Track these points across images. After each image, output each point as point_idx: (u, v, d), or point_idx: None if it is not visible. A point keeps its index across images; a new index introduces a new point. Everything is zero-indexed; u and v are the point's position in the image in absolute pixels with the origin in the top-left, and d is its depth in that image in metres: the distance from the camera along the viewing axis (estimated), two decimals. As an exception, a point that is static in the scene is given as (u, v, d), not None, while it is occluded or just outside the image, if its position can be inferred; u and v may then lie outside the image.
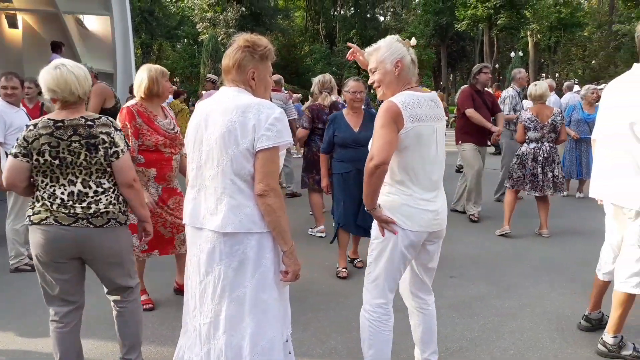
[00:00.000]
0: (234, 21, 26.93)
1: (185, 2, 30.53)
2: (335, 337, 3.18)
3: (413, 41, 2.37)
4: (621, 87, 2.85)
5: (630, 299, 2.79)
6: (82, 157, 2.31)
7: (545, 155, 5.24)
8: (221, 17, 27.35)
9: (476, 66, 6.21)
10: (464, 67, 45.02)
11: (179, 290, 3.65)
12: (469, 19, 31.96)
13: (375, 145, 2.16)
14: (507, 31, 33.71)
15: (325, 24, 42.27)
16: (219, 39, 24.31)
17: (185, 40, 39.20)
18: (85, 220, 2.32)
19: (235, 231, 1.96)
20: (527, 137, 5.30)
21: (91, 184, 2.35)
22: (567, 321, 3.37)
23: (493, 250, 4.97)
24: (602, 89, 7.09)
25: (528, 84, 7.27)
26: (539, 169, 5.24)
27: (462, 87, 6.33)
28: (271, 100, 2.43)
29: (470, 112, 5.77)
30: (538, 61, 37.82)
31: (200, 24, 28.87)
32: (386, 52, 2.26)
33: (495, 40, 36.04)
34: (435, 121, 2.27)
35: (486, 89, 6.33)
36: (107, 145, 2.34)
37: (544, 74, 39.86)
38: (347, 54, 2.64)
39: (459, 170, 9.90)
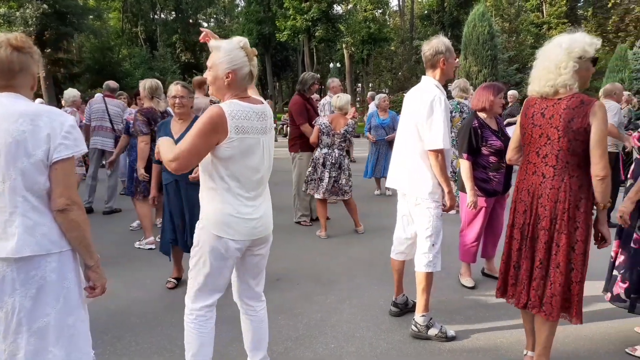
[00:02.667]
0: (34, 19, 23.91)
1: (-31, -6, 26.17)
2: (157, 358, 2.98)
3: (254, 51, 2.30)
4: (412, 96, 3.26)
5: (427, 277, 3.16)
6: None
7: (333, 161, 5.56)
8: (18, 14, 24.07)
9: (310, 77, 6.15)
10: (288, 76, 46.77)
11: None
12: (289, 29, 33.27)
13: (184, 148, 2.07)
14: (325, 43, 35.91)
15: (144, 27, 40.11)
16: (17, 38, 21.36)
17: (-26, 39, 33.68)
18: None
19: (33, 254, 1.75)
20: (320, 141, 5.58)
21: None
22: (381, 310, 3.66)
23: (316, 250, 5.19)
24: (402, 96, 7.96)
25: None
26: (326, 174, 5.54)
27: (295, 97, 6.16)
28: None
29: (306, 128, 5.89)
30: (354, 72, 41.04)
31: (-8, 20, 25.07)
32: (223, 57, 2.17)
33: (315, 51, 38.14)
34: (262, 134, 2.25)
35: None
36: None
37: (359, 84, 43.43)
38: (200, 36, 2.46)
39: None
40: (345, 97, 5.65)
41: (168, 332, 3.29)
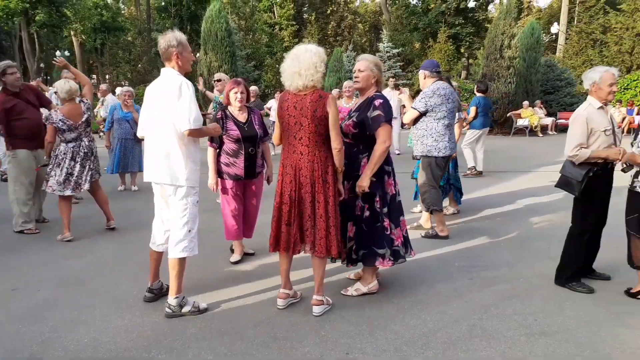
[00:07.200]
0: None
1: None
2: None
3: None
4: (155, 87, 3.37)
5: (181, 262, 3.37)
6: None
7: (86, 150, 5.26)
8: None
9: None
10: (2, 64, 39.91)
11: None
12: (1, 11, 28.50)
13: None
14: (49, 28, 31.96)
15: None
16: None
17: None
18: None
19: None
20: (63, 137, 5.16)
21: None
22: (135, 299, 3.72)
23: (57, 254, 4.85)
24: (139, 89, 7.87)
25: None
26: (77, 167, 5.21)
27: None
28: None
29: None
30: (87, 62, 37.63)
31: None
32: None
33: (37, 37, 33.55)
34: None
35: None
36: None
37: (94, 75, 40.01)
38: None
39: None
40: (73, 83, 5.20)
41: None
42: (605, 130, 3.60)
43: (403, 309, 3.49)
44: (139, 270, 4.23)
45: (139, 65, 36.84)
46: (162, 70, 3.38)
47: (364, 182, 3.44)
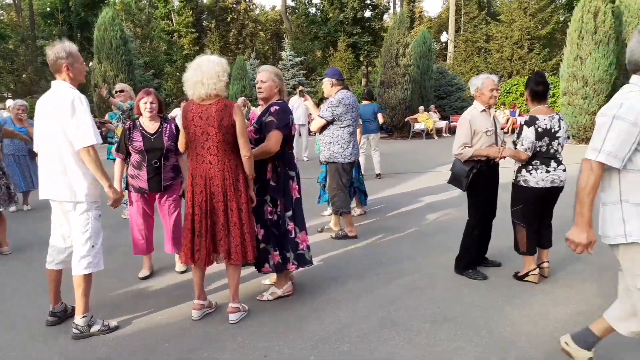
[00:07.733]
0: None
1: None
2: None
3: None
4: (46, 101, 3.19)
5: (86, 279, 3.23)
6: None
7: None
8: None
9: None
10: None
11: None
12: None
13: None
14: None
15: None
16: None
17: None
18: None
19: None
20: None
21: None
22: (37, 323, 3.49)
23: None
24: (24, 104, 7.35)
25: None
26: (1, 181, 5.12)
27: None
28: None
29: None
30: (-39, 72, 34.00)
31: None
32: None
33: None
34: None
35: None
36: None
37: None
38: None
39: None
40: None
41: None
42: (486, 131, 4.00)
43: (317, 309, 3.62)
44: (41, 293, 3.98)
45: (24, 76, 34.09)
46: (53, 83, 3.22)
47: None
